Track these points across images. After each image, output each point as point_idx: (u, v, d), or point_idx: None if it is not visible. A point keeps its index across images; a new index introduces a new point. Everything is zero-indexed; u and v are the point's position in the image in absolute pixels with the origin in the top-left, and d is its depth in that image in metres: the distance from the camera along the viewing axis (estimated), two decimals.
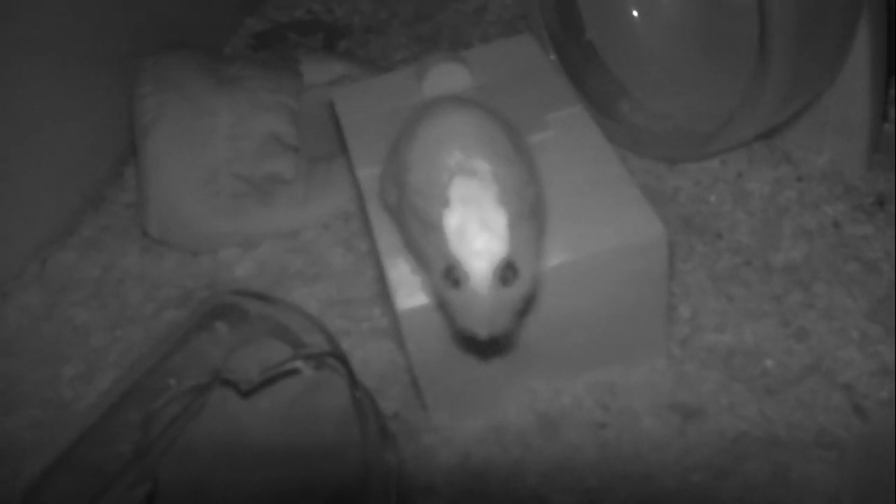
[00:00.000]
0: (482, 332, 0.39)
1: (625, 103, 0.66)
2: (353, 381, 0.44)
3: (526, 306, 0.42)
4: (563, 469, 0.47)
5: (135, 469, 0.41)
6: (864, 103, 0.58)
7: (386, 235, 0.48)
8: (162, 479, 0.44)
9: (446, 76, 0.57)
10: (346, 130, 0.56)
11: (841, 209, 0.58)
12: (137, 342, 0.60)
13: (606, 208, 0.47)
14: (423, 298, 0.45)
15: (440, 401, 0.49)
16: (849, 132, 0.60)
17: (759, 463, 0.46)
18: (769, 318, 0.53)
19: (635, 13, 0.64)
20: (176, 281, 0.65)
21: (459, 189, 0.39)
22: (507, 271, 0.38)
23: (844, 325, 0.51)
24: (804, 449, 0.46)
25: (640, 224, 0.46)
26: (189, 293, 0.63)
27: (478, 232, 0.38)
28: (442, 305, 0.42)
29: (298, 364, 0.45)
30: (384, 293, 0.45)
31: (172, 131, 0.65)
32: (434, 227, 0.39)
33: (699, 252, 0.57)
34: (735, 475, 0.45)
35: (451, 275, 0.39)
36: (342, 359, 0.45)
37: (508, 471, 0.48)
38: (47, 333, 0.62)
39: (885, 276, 0.54)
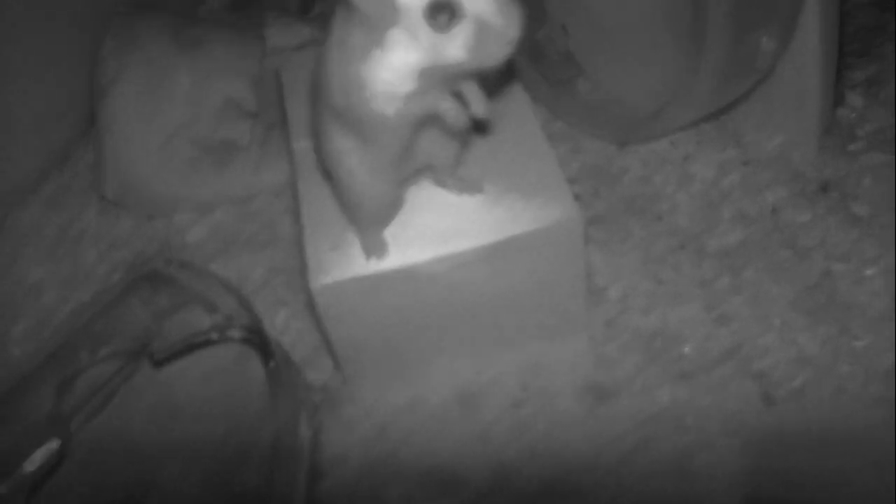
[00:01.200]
0: (516, 32, 0.36)
1: (581, 80, 0.65)
2: (266, 355, 0.45)
3: None
4: (476, 445, 0.48)
5: (49, 434, 0.43)
6: (813, 86, 0.57)
7: (312, 209, 0.49)
8: (86, 441, 0.46)
9: None
10: (287, 101, 0.56)
11: (782, 195, 0.58)
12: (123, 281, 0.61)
13: (527, 190, 0.47)
14: (337, 275, 0.45)
15: (361, 375, 0.51)
16: (798, 115, 0.60)
17: (664, 447, 0.47)
18: (695, 302, 0.53)
19: None
20: (130, 244, 0.66)
21: None
22: None
23: (767, 313, 0.52)
24: (709, 436, 0.47)
25: (556, 208, 0.46)
26: (141, 256, 0.64)
27: None
28: (433, 67, 0.37)
29: (214, 336, 0.46)
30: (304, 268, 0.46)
31: (130, 93, 0.65)
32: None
33: (636, 234, 0.58)
34: (640, 459, 0.46)
35: (438, 16, 0.35)
36: (258, 333, 0.46)
37: (422, 444, 0.49)
38: (2, 290, 0.64)
39: (816, 265, 0.54)
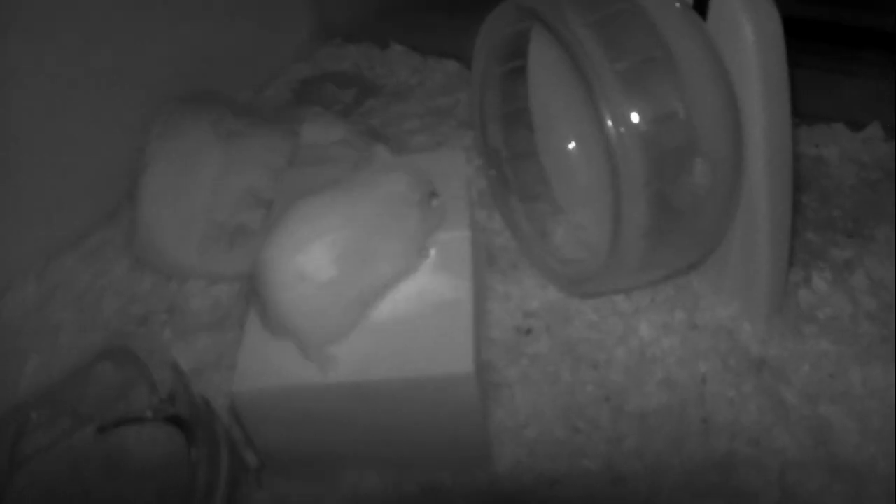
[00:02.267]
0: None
1: (559, 224, 0.70)
2: (188, 447, 0.52)
3: None
4: None
5: None
6: (763, 268, 0.60)
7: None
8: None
9: None
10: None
11: (716, 366, 0.60)
12: (97, 350, 0.70)
13: (435, 336, 0.52)
14: (261, 382, 0.52)
15: (277, 467, 0.57)
16: (748, 291, 0.62)
17: None
18: (599, 458, 0.56)
19: (572, 145, 0.68)
20: (145, 301, 0.75)
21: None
22: None
23: (661, 485, 0.54)
24: None
25: (454, 359, 0.50)
26: (149, 315, 0.73)
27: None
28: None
29: (148, 414, 0.53)
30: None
31: (164, 175, 0.75)
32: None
33: (566, 381, 0.61)
34: None
35: (432, 199, 0.55)
36: (183, 426, 0.52)
37: None
38: (28, 327, 0.73)
39: (723, 444, 0.56)
